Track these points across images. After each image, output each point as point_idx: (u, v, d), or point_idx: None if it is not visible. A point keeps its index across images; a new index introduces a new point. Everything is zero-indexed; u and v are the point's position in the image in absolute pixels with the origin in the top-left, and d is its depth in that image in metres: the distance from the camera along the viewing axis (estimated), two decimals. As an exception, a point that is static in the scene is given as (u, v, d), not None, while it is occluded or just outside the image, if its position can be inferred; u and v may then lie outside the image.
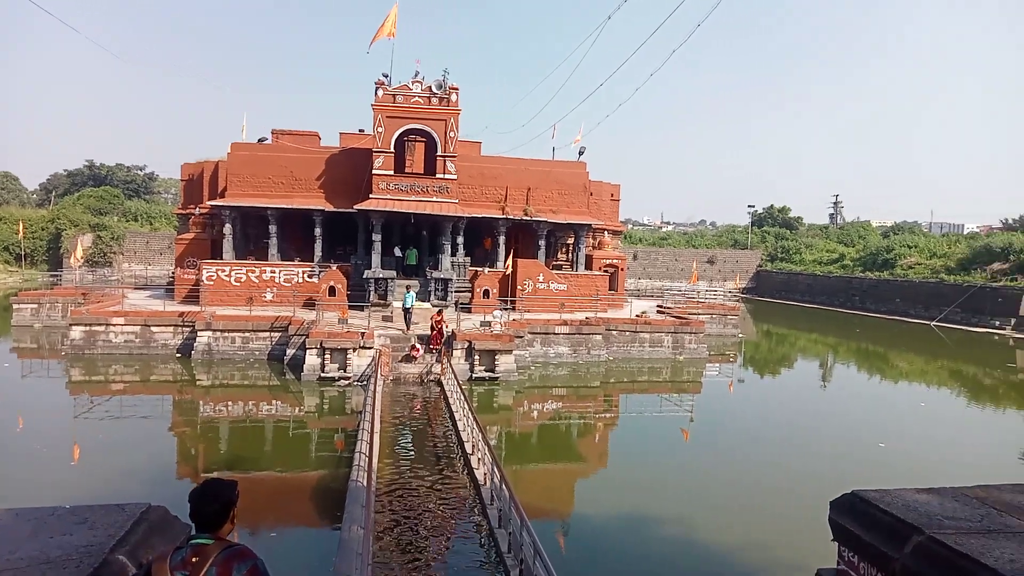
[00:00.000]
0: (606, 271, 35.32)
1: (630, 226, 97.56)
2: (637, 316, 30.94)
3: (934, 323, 45.95)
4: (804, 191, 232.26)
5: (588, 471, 16.43)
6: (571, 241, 37.47)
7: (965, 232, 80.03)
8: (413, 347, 23.44)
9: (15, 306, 32.88)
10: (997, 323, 42.94)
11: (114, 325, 26.02)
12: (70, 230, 58.30)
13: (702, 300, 45.78)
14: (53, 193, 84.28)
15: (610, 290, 34.74)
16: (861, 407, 24.01)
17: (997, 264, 49.07)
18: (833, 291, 59.45)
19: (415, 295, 25.90)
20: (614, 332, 28.87)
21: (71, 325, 26.02)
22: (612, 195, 42.27)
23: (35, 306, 32.67)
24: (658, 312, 34.15)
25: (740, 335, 37.52)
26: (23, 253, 58.39)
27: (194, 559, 2.70)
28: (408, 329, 24.54)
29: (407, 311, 25.06)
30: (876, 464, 16.26)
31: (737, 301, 51.25)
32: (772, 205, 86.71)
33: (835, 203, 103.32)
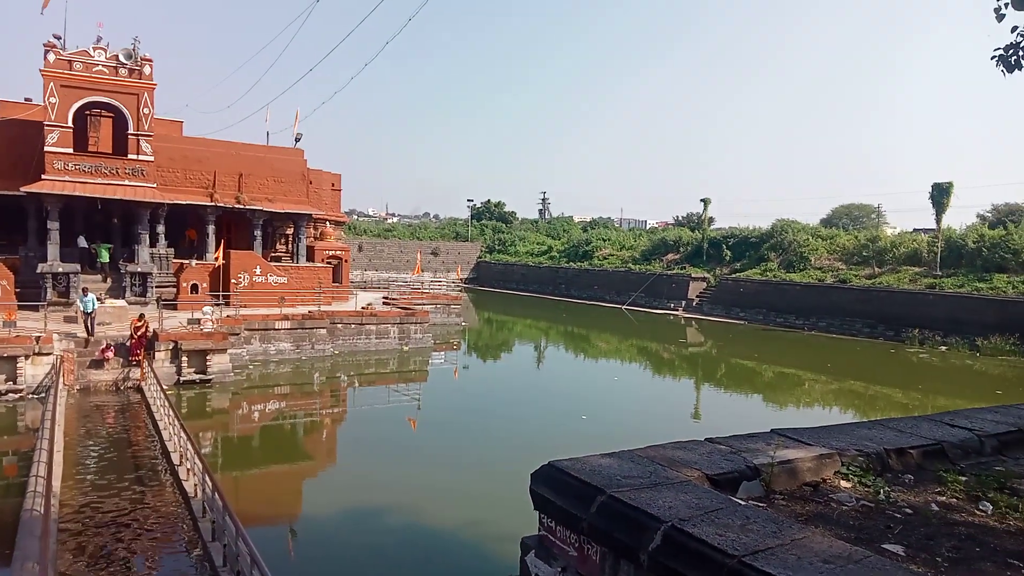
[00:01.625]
0: (329, 263, 34.62)
1: (355, 217, 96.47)
2: (363, 308, 30.83)
3: (624, 307, 52.62)
4: (517, 188, 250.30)
5: (316, 470, 16.06)
6: (291, 232, 36.03)
7: (647, 227, 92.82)
8: (104, 349, 20.71)
9: None
10: (672, 305, 50.54)
11: None
12: None
13: (427, 291, 47.09)
14: None
15: (334, 282, 34.12)
16: (567, 384, 26.70)
17: (671, 255, 57.77)
18: (544, 280, 65.05)
19: (95, 297, 22.12)
20: (339, 325, 28.43)
21: None
22: (333, 184, 41.47)
23: None
24: (384, 303, 34.37)
25: (463, 323, 39.34)
26: None
27: None
28: (91, 336, 21.26)
29: (87, 316, 21.42)
30: (576, 435, 18.19)
31: (460, 291, 53.67)
32: (489, 200, 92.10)
33: (543, 200, 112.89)
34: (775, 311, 43.92)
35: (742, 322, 44.30)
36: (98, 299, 24.51)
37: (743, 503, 3.62)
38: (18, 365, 19.17)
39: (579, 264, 63.94)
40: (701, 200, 56.77)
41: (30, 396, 19.01)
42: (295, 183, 33.92)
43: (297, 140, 35.93)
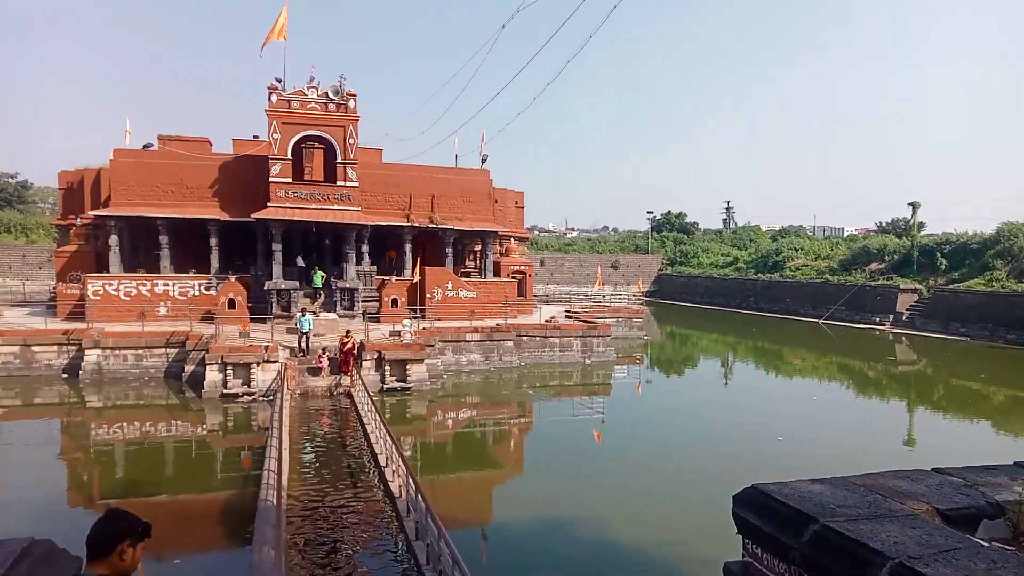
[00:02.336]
0: (514, 277, 35.77)
1: (536, 232, 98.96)
2: (547, 321, 31.49)
3: (822, 321, 49.06)
4: (698, 198, 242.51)
5: (505, 478, 16.61)
6: (478, 248, 37.73)
7: (845, 235, 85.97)
8: (319, 358, 22.94)
9: None
10: (877, 319, 46.32)
11: (-13, 346, 24.09)
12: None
13: (608, 304, 47.05)
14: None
15: (519, 296, 35.17)
16: (759, 403, 25.38)
17: (874, 264, 53.00)
18: (729, 292, 62.43)
19: (311, 317, 24.32)
20: (525, 338, 29.25)
21: (-64, 348, 23.90)
22: (516, 202, 42.92)
23: None
24: (566, 317, 34.86)
25: (645, 337, 38.83)
26: None
27: None
28: (307, 354, 23.53)
29: (303, 335, 23.77)
30: (775, 457, 17.25)
31: (641, 304, 53.07)
32: (669, 211, 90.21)
33: (727, 208, 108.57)
34: (1004, 326, 38.77)
35: (963, 338, 39.60)
36: (313, 312, 27.30)
37: (985, 544, 3.28)
38: (251, 371, 21.82)
39: (768, 275, 60.65)
40: (909, 204, 51.79)
41: (260, 399, 21.53)
42: (482, 202, 35.47)
43: (483, 161, 37.61)
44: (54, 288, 34.91)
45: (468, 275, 35.96)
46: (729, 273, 66.36)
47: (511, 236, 39.37)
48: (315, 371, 23.01)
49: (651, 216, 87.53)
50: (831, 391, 28.74)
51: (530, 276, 37.60)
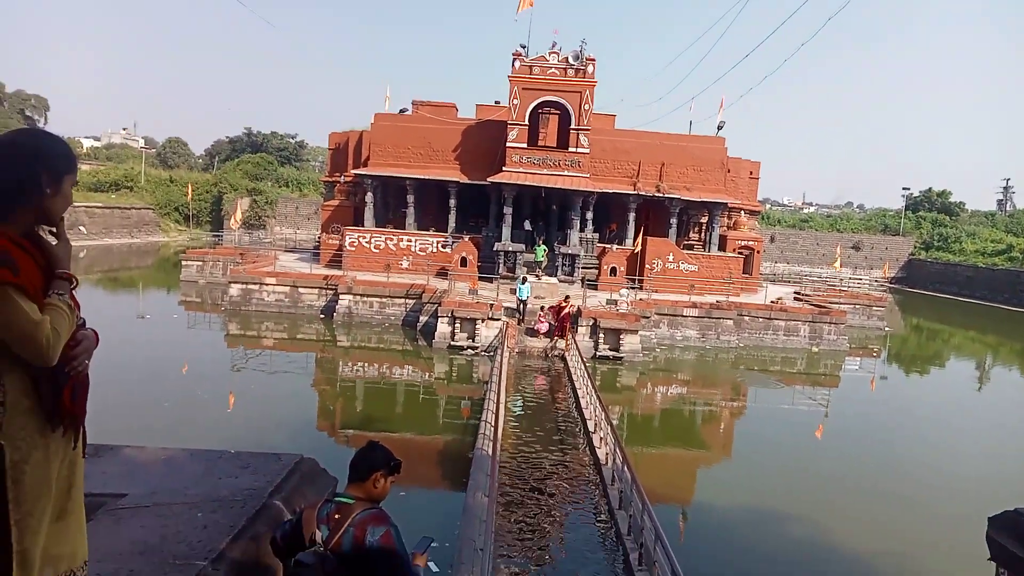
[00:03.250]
0: (740, 253, 34.05)
1: (768, 206, 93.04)
2: (772, 302, 29.71)
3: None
4: (968, 174, 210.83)
5: (711, 460, 16.16)
6: (705, 220, 36.38)
7: None
8: (539, 320, 23.71)
9: (183, 263, 36.27)
10: None
11: (267, 285, 28.18)
12: (231, 193, 63.23)
13: (845, 288, 43.13)
14: (216, 158, 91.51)
15: (744, 273, 33.50)
16: (1021, 416, 21.93)
17: None
18: (997, 285, 54.03)
19: (530, 287, 24.77)
20: (746, 318, 27.93)
21: (230, 283, 28.44)
22: (751, 173, 40.45)
23: (200, 263, 35.87)
24: (795, 299, 32.62)
25: (886, 328, 35.09)
26: (191, 214, 63.94)
27: (336, 516, 2.83)
28: (521, 322, 24.24)
29: (522, 303, 24.49)
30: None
31: (884, 291, 47.85)
32: (931, 188, 79.58)
33: (1005, 188, 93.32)
34: None
35: None
36: (536, 276, 28.22)
37: None
38: (476, 327, 23.22)
39: (1052, 269, 51.50)
40: None
41: (483, 353, 22.88)
42: (713, 172, 34.03)
43: (719, 128, 35.92)
44: (319, 237, 39.79)
45: (691, 248, 34.90)
46: (999, 263, 57.30)
47: (741, 208, 37.39)
48: (533, 332, 23.88)
49: (906, 193, 77.85)
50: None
51: (758, 253, 35.54)
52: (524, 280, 25.24)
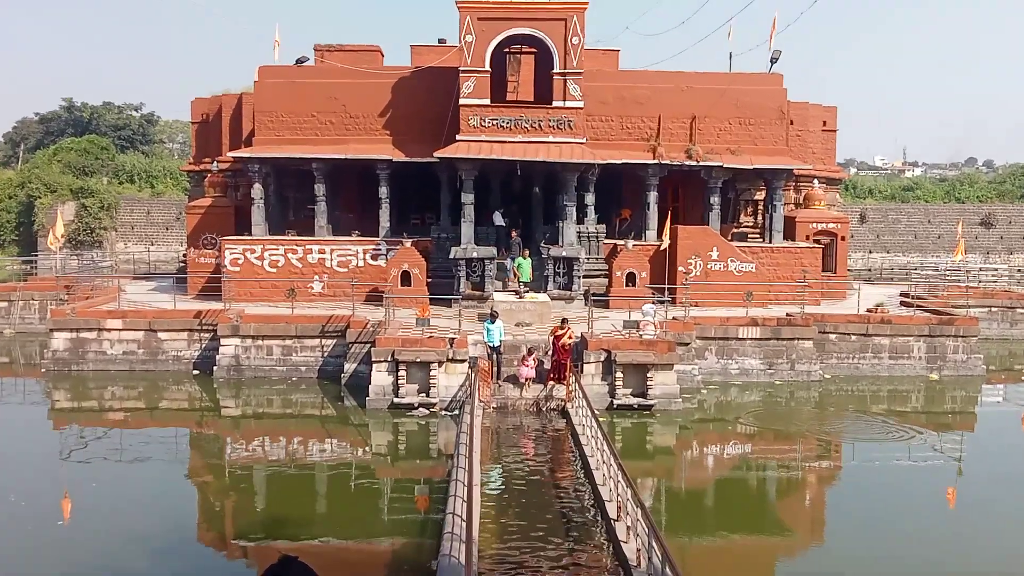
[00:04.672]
0: (817, 241, 34.39)
1: (854, 170, 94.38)
2: (868, 311, 29.99)
3: None
4: None
5: (794, 549, 16.19)
6: (760, 196, 36.69)
7: None
8: (523, 360, 23.66)
9: (-23, 306, 35.83)
10: None
11: (108, 330, 27.93)
12: (45, 198, 62.58)
13: (974, 285, 43.75)
14: (22, 147, 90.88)
15: (824, 271, 33.82)
16: None
17: None
18: None
19: (502, 327, 24.17)
20: (832, 336, 28.19)
21: (52, 331, 28.13)
22: (824, 123, 40.99)
23: (4, 304, 35.47)
24: (902, 304, 33.00)
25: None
26: (-14, 231, 63.12)
27: None
28: (498, 379, 23.93)
29: (494, 350, 24.02)
30: None
31: (1031, 285, 48.63)
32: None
33: None
34: None
35: None
36: (516, 294, 28.23)
37: None
38: (431, 373, 23.15)
39: None
40: None
41: (443, 412, 22.77)
42: (769, 125, 34.43)
43: (773, 62, 36.26)
44: (184, 255, 39.53)
45: (743, 237, 35.21)
46: None
47: (813, 176, 37.74)
48: (515, 377, 23.84)
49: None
50: None
51: (843, 239, 35.92)
52: (493, 317, 24.25)
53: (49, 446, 21.63)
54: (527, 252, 30.91)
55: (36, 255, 54.38)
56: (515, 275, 30.40)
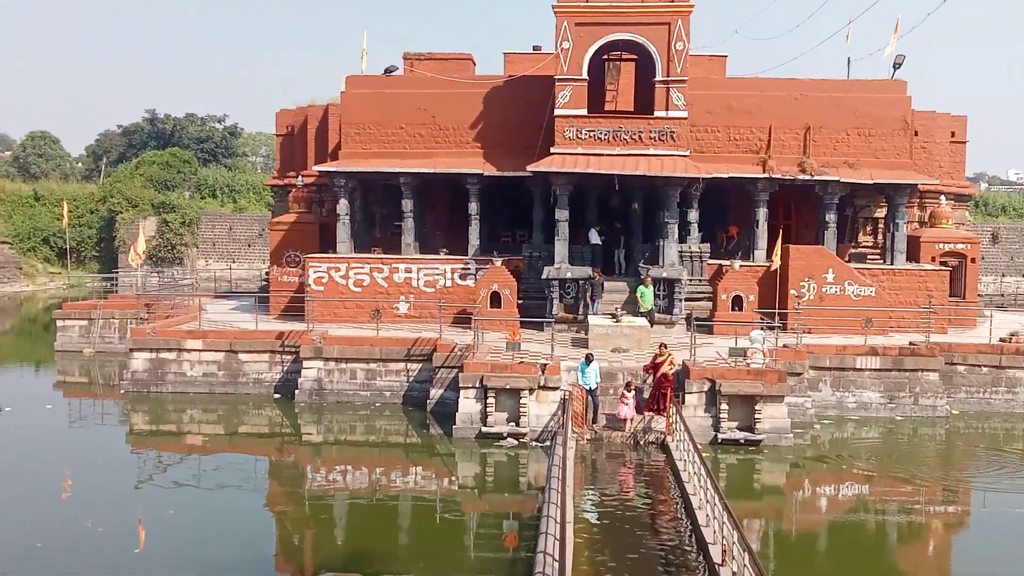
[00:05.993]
0: (944, 264, 33.57)
1: (984, 185, 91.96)
2: (1001, 340, 29.15)
3: None
4: None
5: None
6: (881, 214, 35.99)
7: None
8: (622, 395, 23.43)
9: (59, 323, 37.04)
10: None
11: (189, 351, 28.74)
12: (127, 213, 64.57)
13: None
14: (104, 160, 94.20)
15: (951, 296, 32.98)
16: None
17: None
18: None
19: (598, 369, 23.62)
20: (961, 367, 27.53)
21: (132, 351, 29.06)
22: (953, 134, 40.02)
23: (84, 323, 36.60)
24: (1041, 334, 31.96)
25: None
26: (68, 247, 64.69)
27: None
28: (593, 429, 23.41)
29: (589, 393, 23.50)
30: None
31: None
32: None
33: None
34: None
35: None
36: (612, 317, 28.07)
37: None
38: (521, 401, 23.16)
39: None
40: None
41: (533, 443, 22.75)
42: (891, 136, 33.77)
43: (896, 67, 35.57)
44: (267, 273, 40.35)
45: (862, 258, 34.51)
46: None
47: (940, 192, 36.90)
48: (612, 418, 23.61)
49: None
50: None
51: (973, 261, 34.97)
52: (589, 360, 23.60)
53: (126, 470, 22.25)
54: (649, 280, 30.16)
55: (116, 272, 56.11)
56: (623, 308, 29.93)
